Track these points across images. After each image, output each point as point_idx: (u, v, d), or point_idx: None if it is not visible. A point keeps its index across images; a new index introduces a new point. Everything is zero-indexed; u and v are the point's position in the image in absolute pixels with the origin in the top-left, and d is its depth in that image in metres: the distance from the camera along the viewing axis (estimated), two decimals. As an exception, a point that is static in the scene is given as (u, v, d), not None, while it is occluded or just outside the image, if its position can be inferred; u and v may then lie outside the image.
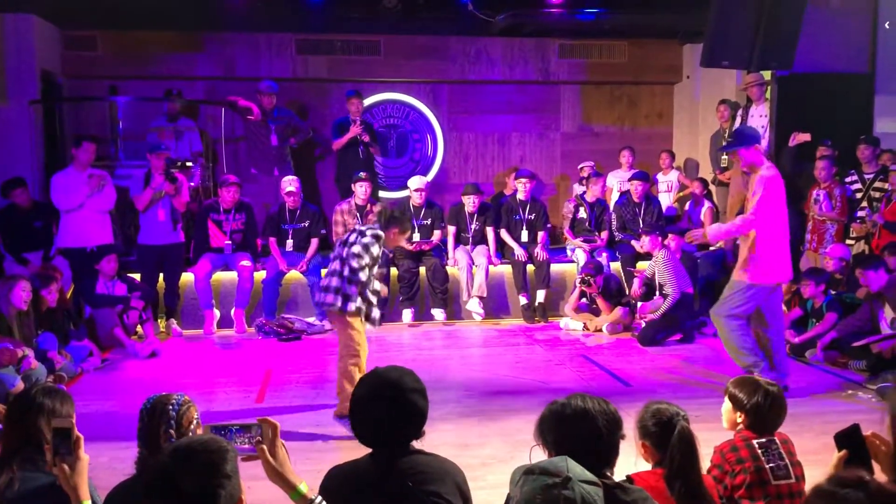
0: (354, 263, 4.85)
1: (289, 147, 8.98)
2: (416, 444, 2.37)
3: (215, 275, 7.92)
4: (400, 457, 2.30)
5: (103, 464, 4.20)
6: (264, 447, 2.04)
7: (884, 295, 6.21)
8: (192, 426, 2.56)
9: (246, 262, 7.82)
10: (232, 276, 7.92)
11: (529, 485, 1.68)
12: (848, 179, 7.89)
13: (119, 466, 3.76)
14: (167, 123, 8.85)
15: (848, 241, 7.71)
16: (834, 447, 2.19)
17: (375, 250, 4.87)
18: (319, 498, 2.09)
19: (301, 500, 2.06)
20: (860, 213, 7.69)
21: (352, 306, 4.89)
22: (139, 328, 7.30)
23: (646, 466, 2.70)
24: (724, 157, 9.04)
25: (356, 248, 4.86)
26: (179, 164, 8.49)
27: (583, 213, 8.69)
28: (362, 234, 4.93)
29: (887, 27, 8.56)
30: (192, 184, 8.45)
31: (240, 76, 9.60)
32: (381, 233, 4.94)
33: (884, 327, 6.16)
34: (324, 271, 7.96)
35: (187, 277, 7.92)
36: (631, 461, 2.75)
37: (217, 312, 7.90)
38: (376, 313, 5.01)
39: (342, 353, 4.99)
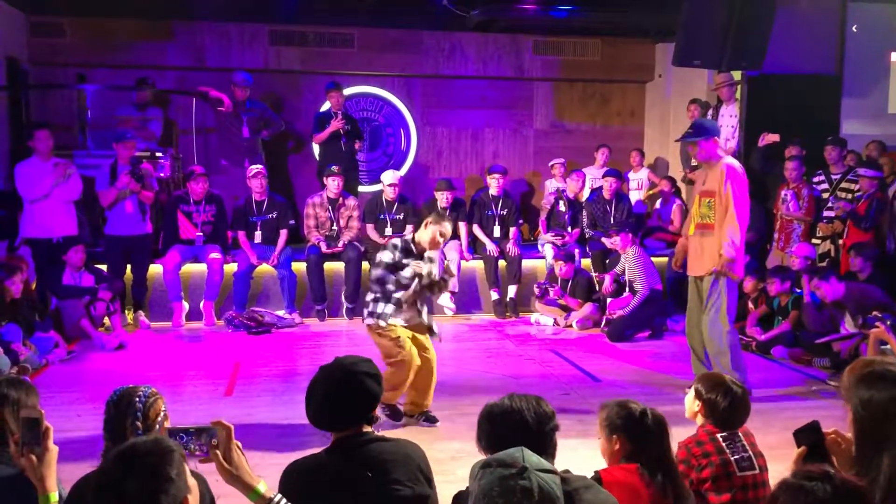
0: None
1: (260, 139, 8.91)
2: (385, 433, 2.40)
3: (185, 267, 7.83)
4: (359, 446, 2.32)
5: (68, 457, 4.13)
6: (218, 452, 2.04)
7: (843, 304, 6.33)
8: (158, 418, 2.53)
9: (216, 255, 7.75)
10: (201, 268, 7.85)
11: (487, 478, 1.69)
12: (815, 180, 8.02)
13: (84, 460, 3.71)
14: (136, 113, 8.72)
15: (814, 241, 7.84)
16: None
17: (386, 257, 4.82)
18: (279, 496, 2.09)
19: (260, 501, 2.06)
20: (827, 214, 7.83)
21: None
22: (106, 320, 7.20)
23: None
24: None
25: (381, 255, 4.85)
26: (149, 154, 8.39)
27: (562, 207, 8.73)
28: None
29: (854, 30, 8.71)
30: (162, 175, 8.35)
31: (211, 66, 9.50)
32: (396, 241, 4.91)
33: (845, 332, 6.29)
34: (295, 265, 7.99)
35: (156, 269, 7.83)
36: (597, 458, 2.78)
37: (186, 305, 7.83)
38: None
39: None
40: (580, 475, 2.30)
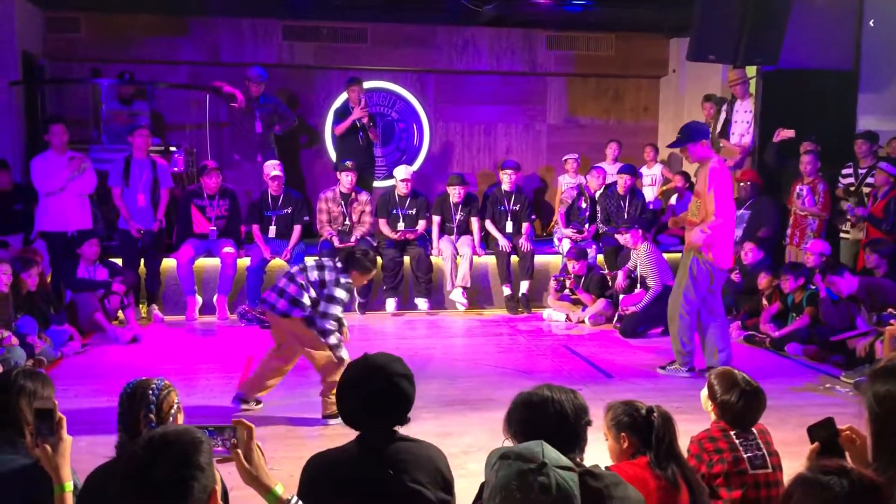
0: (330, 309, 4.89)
1: (273, 134, 8.93)
2: (401, 430, 2.40)
3: (198, 261, 7.87)
4: (384, 444, 2.32)
5: (83, 448, 4.14)
6: (239, 451, 2.03)
7: (858, 298, 6.28)
8: (172, 411, 2.54)
9: (229, 249, 7.78)
10: (215, 262, 7.88)
11: (505, 470, 1.68)
12: (844, 171, 7.90)
13: (99, 451, 3.71)
14: (122, 107, 8.77)
15: (843, 235, 7.77)
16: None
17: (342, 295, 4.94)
18: (295, 498, 2.10)
19: (276, 503, 2.06)
20: (850, 207, 7.73)
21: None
22: (120, 313, 7.25)
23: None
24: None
25: (339, 293, 4.88)
26: (163, 149, 8.44)
27: (583, 204, 8.72)
28: (337, 281, 4.90)
29: (871, 25, 8.61)
30: (176, 169, 8.39)
31: (224, 62, 9.53)
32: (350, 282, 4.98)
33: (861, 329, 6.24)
34: (307, 259, 8.00)
35: (170, 263, 7.87)
36: (605, 456, 2.77)
37: (199, 299, 7.86)
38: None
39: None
40: (610, 472, 2.29)
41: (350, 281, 4.96)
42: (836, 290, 6.34)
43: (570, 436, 2.24)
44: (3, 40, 8.34)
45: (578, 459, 2.24)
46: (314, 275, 4.88)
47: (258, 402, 5.14)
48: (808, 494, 1.59)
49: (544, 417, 2.24)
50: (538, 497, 1.64)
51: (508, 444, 2.24)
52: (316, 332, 4.84)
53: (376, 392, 2.33)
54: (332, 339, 4.85)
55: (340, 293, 4.88)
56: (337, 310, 4.88)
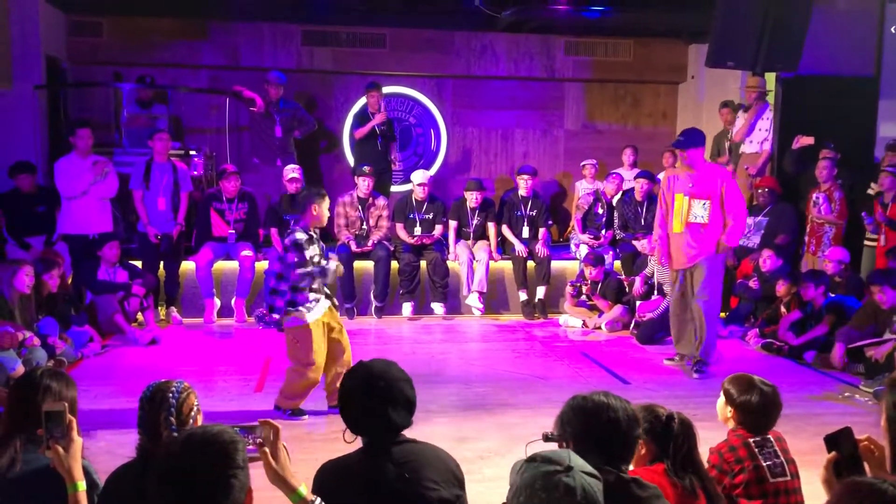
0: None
1: (293, 139, 8.98)
2: (409, 434, 2.42)
3: (216, 264, 7.92)
4: (391, 447, 2.34)
5: (102, 448, 4.23)
6: (266, 450, 2.06)
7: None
8: (192, 413, 2.57)
9: (247, 252, 7.83)
10: (233, 265, 7.94)
11: (530, 471, 1.69)
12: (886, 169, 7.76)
13: (119, 451, 3.77)
14: (142, 111, 8.86)
15: (867, 243, 7.67)
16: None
17: (309, 252, 4.97)
18: (318, 500, 2.12)
19: (301, 502, 2.08)
20: (865, 214, 7.63)
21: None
22: (140, 315, 7.32)
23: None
24: (726, 157, 9.06)
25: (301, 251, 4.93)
26: (183, 152, 8.51)
27: (600, 209, 8.70)
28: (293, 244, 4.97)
29: (894, 31, 8.55)
30: (195, 173, 8.46)
31: (244, 66, 9.60)
32: (300, 238, 4.95)
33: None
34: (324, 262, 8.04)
35: (188, 266, 7.94)
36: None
37: (218, 301, 7.91)
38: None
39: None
40: (654, 485, 2.27)
41: (299, 239, 4.93)
42: (882, 300, 6.17)
43: (621, 445, 2.22)
44: (28, 45, 8.45)
45: (624, 468, 2.23)
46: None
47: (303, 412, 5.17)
48: (858, 498, 1.57)
49: (598, 424, 2.21)
50: (563, 498, 1.64)
51: (533, 446, 2.24)
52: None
53: (377, 398, 2.34)
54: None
55: (301, 249, 4.90)
56: (306, 271, 4.93)
